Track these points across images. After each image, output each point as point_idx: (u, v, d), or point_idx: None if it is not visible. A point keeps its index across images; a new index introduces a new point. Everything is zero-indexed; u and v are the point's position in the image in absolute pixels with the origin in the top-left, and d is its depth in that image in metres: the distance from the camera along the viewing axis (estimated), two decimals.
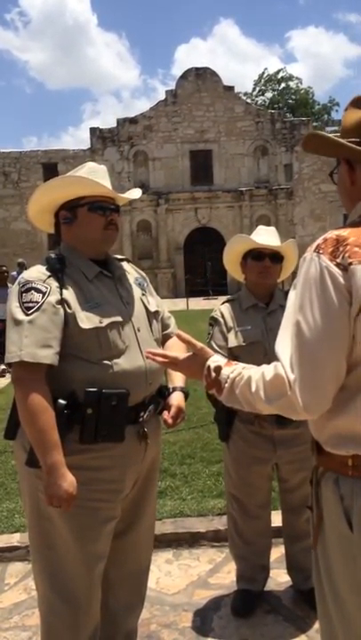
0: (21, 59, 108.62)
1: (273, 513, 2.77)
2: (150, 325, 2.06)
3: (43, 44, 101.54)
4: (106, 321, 1.88)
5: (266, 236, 2.62)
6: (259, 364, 1.41)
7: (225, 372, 1.39)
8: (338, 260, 1.25)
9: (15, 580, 2.99)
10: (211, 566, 3.02)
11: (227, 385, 1.38)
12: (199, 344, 1.49)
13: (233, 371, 1.39)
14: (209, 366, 1.42)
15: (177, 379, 2.12)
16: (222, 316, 2.62)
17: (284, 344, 1.29)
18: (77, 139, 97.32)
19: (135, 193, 2.14)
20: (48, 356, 1.79)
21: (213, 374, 1.40)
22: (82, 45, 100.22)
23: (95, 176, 1.99)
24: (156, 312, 2.14)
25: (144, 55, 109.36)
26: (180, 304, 19.71)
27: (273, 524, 2.76)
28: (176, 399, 2.08)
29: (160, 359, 1.57)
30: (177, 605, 2.69)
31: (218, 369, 1.41)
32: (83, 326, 1.84)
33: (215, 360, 1.44)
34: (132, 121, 27.53)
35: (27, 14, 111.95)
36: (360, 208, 1.40)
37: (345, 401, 1.30)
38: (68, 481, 1.77)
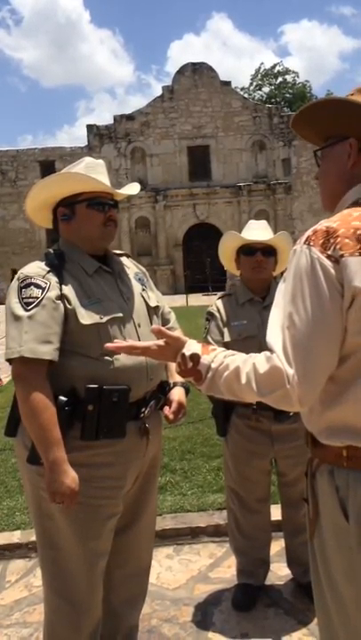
0: (14, 57, 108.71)
1: (273, 507, 2.78)
2: (151, 321, 2.05)
3: (36, 42, 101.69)
4: (106, 317, 1.87)
5: (256, 231, 2.61)
6: None
7: (205, 360, 1.34)
8: (329, 252, 1.24)
9: (16, 578, 3.00)
10: (211, 561, 3.03)
11: (209, 375, 1.33)
12: (174, 334, 1.42)
13: (214, 359, 1.34)
14: (184, 354, 1.36)
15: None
16: (218, 311, 2.63)
17: (277, 336, 1.27)
18: (72, 136, 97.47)
19: (134, 188, 2.12)
20: (48, 351, 1.77)
21: (190, 363, 1.35)
22: (75, 42, 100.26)
23: (93, 171, 1.97)
24: (157, 307, 2.13)
25: (138, 51, 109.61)
26: (179, 300, 19.70)
27: (273, 518, 2.76)
28: (177, 394, 2.08)
29: (129, 350, 1.46)
30: (178, 600, 2.69)
31: (195, 357, 1.35)
32: (83, 322, 1.83)
33: (190, 347, 1.37)
34: (129, 117, 27.49)
35: (18, 12, 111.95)
36: (350, 197, 1.38)
37: (338, 393, 1.29)
38: (70, 477, 1.76)
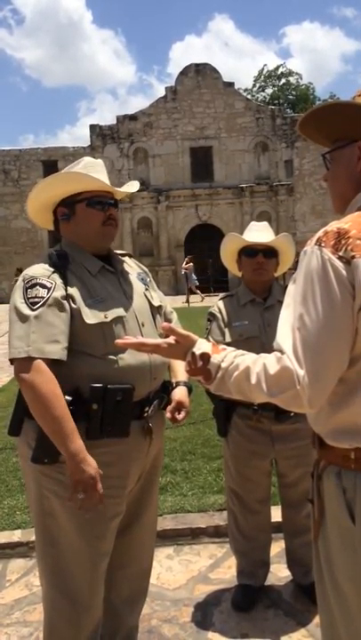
0: (16, 57, 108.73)
1: (273, 508, 2.78)
2: (154, 320, 2.06)
3: (38, 42, 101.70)
4: (111, 316, 1.88)
5: (257, 232, 2.61)
6: None
7: (215, 360, 1.34)
8: (340, 253, 1.23)
9: (16, 577, 3.00)
10: (211, 561, 3.03)
11: (218, 375, 1.33)
12: (185, 332, 1.41)
13: (224, 359, 1.33)
14: (194, 353, 1.35)
15: (180, 373, 2.11)
16: (220, 312, 2.64)
17: (287, 336, 1.26)
18: (74, 136, 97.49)
19: (133, 186, 2.12)
20: (56, 351, 1.77)
21: (200, 362, 1.34)
22: (77, 42, 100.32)
23: (92, 170, 1.97)
24: (159, 307, 2.14)
25: (140, 52, 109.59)
26: (180, 301, 19.71)
27: (273, 519, 2.76)
28: (180, 394, 2.08)
29: (138, 347, 1.46)
30: (178, 600, 2.70)
31: (205, 356, 1.34)
32: (88, 321, 1.83)
33: (200, 346, 1.36)
34: (132, 118, 27.49)
35: (20, 12, 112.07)
36: (360, 199, 1.37)
37: (347, 394, 1.29)
38: (92, 465, 1.75)
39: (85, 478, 1.75)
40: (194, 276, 22.03)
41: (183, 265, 22.68)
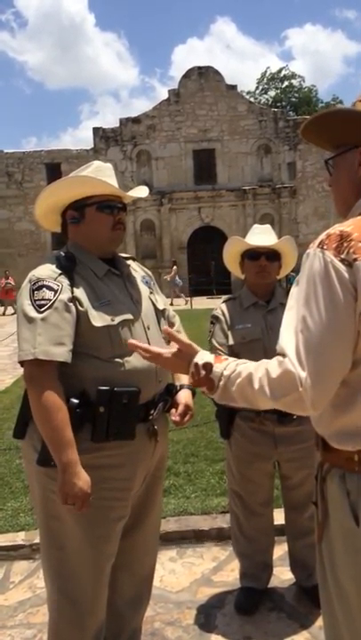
0: (18, 59, 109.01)
1: (276, 511, 2.78)
2: (158, 323, 2.07)
3: (40, 45, 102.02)
4: (117, 319, 1.88)
5: (260, 236, 2.62)
6: (258, 360, 1.39)
7: (217, 369, 1.35)
8: (342, 256, 1.24)
9: (20, 578, 3.01)
10: (214, 564, 3.03)
11: (221, 383, 1.34)
12: (187, 340, 1.43)
13: (226, 367, 1.35)
14: (196, 363, 1.37)
15: (184, 376, 2.12)
16: (223, 314, 2.65)
17: (289, 339, 1.27)
18: (76, 138, 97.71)
19: (142, 191, 2.13)
20: (62, 353, 1.78)
21: (203, 372, 1.36)
22: (80, 45, 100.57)
23: (102, 175, 1.98)
24: (163, 310, 2.15)
25: (142, 54, 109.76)
26: (182, 303, 19.72)
27: (276, 522, 2.76)
28: (184, 397, 2.09)
29: (142, 352, 1.48)
30: (181, 603, 2.70)
31: (208, 366, 1.36)
32: (95, 324, 1.84)
33: (203, 357, 1.39)
34: (135, 120, 27.53)
35: (22, 15, 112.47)
36: None
37: (350, 397, 1.29)
38: (83, 479, 1.76)
39: (75, 492, 1.75)
40: (178, 280, 23.07)
41: (171, 274, 23.29)
